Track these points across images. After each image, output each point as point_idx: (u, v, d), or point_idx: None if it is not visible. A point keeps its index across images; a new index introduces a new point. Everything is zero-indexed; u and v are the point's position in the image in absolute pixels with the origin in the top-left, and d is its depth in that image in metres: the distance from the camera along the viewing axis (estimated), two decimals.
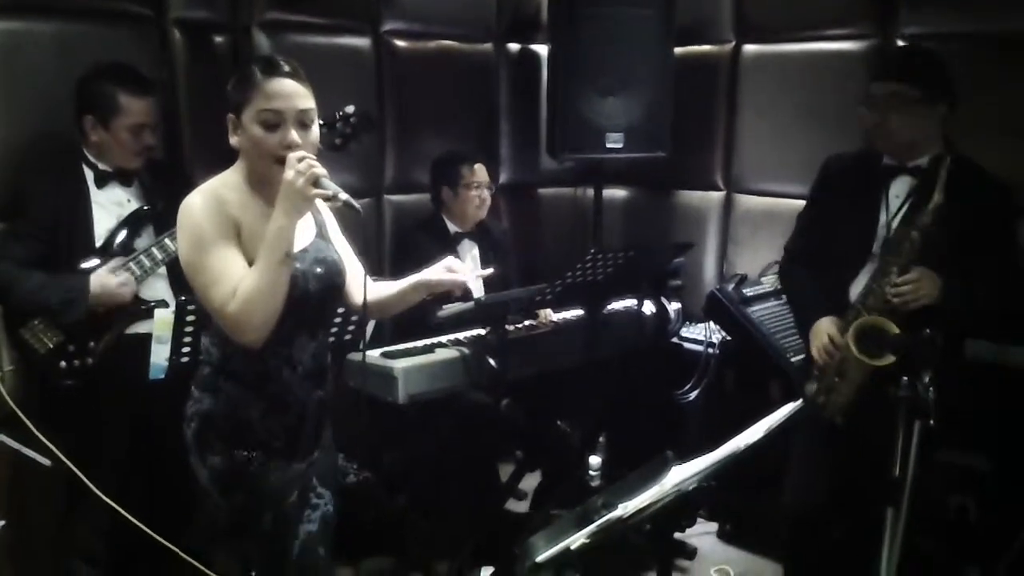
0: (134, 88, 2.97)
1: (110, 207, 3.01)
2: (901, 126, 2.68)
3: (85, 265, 2.92)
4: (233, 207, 2.15)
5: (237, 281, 2.09)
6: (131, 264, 2.93)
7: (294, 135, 2.13)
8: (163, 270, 3.01)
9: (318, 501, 2.35)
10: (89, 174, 3.00)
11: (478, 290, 2.41)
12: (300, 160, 2.08)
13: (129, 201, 3.05)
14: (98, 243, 2.97)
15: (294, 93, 2.14)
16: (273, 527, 2.26)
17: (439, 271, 2.37)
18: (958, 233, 2.60)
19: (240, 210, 2.16)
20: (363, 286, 2.27)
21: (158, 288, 3.04)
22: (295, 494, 2.29)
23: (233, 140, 2.19)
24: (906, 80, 2.67)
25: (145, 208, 3.04)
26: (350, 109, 3.11)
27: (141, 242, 3.01)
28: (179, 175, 3.26)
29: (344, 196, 2.10)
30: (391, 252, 4.20)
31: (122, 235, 2.99)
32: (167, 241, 2.94)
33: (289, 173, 2.07)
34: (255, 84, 2.13)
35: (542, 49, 4.73)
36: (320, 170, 2.09)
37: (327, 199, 2.14)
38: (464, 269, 2.39)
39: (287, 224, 2.09)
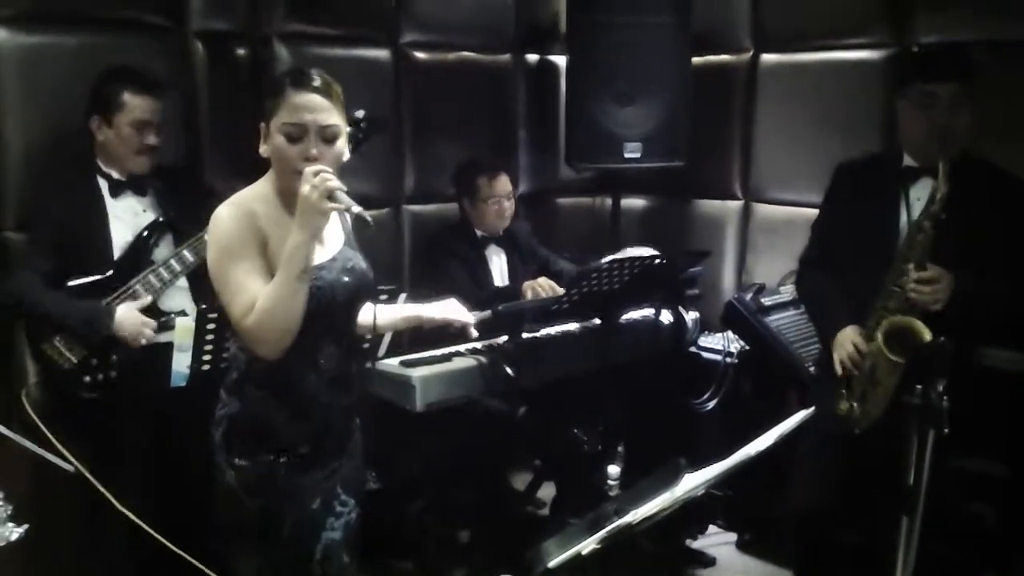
0: (137, 86, 2.99)
1: (126, 217, 3.03)
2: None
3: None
4: (262, 219, 2.17)
5: (256, 295, 2.11)
6: (150, 276, 2.95)
7: (313, 149, 2.14)
8: (183, 281, 3.04)
9: (342, 509, 2.36)
10: (103, 184, 3.02)
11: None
12: (316, 174, 2.08)
13: (145, 211, 3.07)
14: (116, 254, 2.99)
15: (318, 107, 2.15)
16: (296, 533, 2.28)
17: (437, 309, 2.57)
18: (972, 229, 2.58)
19: (269, 222, 2.18)
20: (373, 311, 2.38)
21: (178, 299, 3.06)
22: (319, 500, 2.31)
23: (262, 149, 2.21)
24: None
25: (161, 220, 3.06)
26: (360, 114, 3.12)
27: (160, 252, 3.04)
28: (194, 183, 3.29)
29: (356, 209, 2.10)
30: (420, 252, 4.20)
31: (141, 247, 3.01)
32: (185, 252, 2.96)
33: (304, 187, 2.08)
34: (282, 95, 2.15)
35: (560, 59, 4.75)
36: (335, 183, 2.09)
37: (341, 212, 2.14)
38: (461, 314, 2.59)
39: (304, 239, 2.10)
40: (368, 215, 2.12)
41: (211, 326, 2.74)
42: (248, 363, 2.23)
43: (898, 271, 2.64)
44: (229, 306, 2.15)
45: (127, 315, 2.89)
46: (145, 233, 3.03)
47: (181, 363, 2.81)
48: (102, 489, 2.29)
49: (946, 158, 2.56)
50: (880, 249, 2.75)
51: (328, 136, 2.18)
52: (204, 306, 2.78)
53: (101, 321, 2.86)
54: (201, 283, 3.03)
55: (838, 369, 2.76)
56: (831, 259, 2.94)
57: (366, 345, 3.02)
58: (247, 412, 2.23)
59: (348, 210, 2.10)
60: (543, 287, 3.72)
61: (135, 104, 2.98)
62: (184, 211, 3.08)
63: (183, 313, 3.00)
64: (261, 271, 2.15)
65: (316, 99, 2.15)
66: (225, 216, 2.16)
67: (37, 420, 2.45)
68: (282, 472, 2.23)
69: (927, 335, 2.52)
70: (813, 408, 2.44)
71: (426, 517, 3.73)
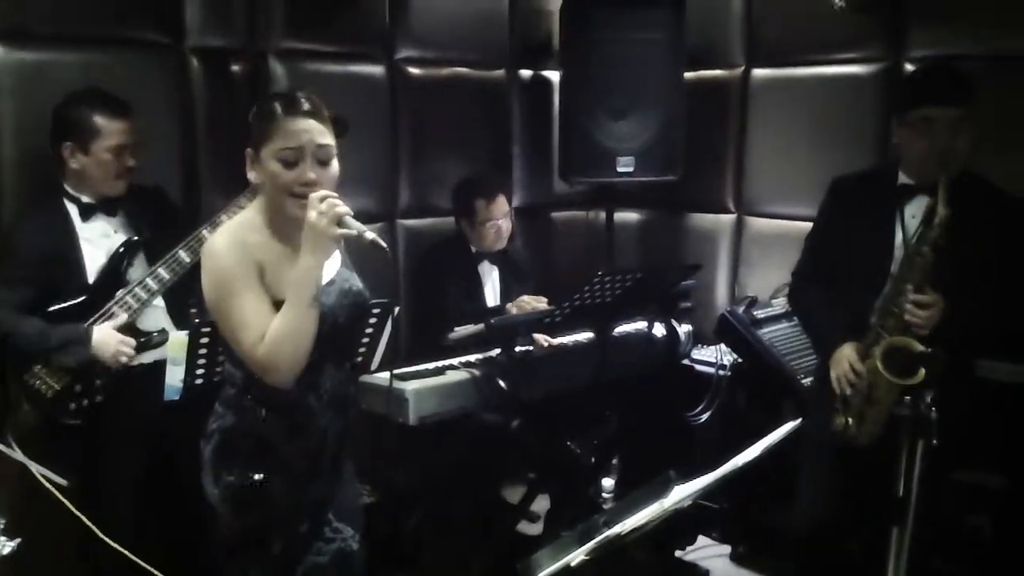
0: (110, 110, 2.94)
1: (98, 240, 2.99)
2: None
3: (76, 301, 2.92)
4: (256, 248, 2.17)
5: (265, 325, 2.10)
6: (127, 297, 2.93)
7: (311, 173, 2.14)
8: (159, 300, 3.02)
9: (333, 536, 2.34)
10: (73, 209, 2.97)
11: None
12: (322, 200, 2.09)
13: (116, 232, 3.02)
14: (90, 279, 2.95)
15: (312, 129, 2.15)
16: (280, 553, 2.26)
17: None
18: (967, 251, 2.57)
19: (262, 251, 2.18)
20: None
21: (155, 318, 3.03)
22: (307, 524, 2.29)
23: (251, 175, 2.20)
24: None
25: (135, 239, 3.02)
26: None
27: (134, 272, 3.00)
28: (163, 200, 3.24)
29: (370, 235, 2.11)
30: (413, 267, 4.20)
31: (115, 268, 2.98)
32: (160, 270, 2.94)
33: (312, 214, 2.08)
34: (275, 121, 2.14)
35: (554, 75, 4.78)
36: (343, 208, 2.10)
37: (352, 238, 2.13)
38: None
39: (313, 265, 2.11)
40: (383, 241, 2.12)
41: (204, 340, 2.75)
42: (245, 380, 2.22)
43: (896, 292, 2.64)
44: (235, 338, 2.14)
45: (103, 337, 2.85)
46: (118, 253, 2.99)
47: (175, 376, 2.80)
48: (84, 519, 2.30)
49: (946, 180, 2.55)
50: (874, 265, 2.76)
51: (323, 157, 2.17)
52: (198, 320, 2.79)
53: (78, 346, 2.82)
54: (178, 301, 3.04)
55: (835, 387, 2.76)
56: (824, 272, 2.95)
57: (359, 359, 3.04)
58: (243, 426, 2.23)
59: (360, 236, 2.10)
60: (527, 304, 3.74)
61: (111, 129, 2.93)
62: (155, 229, 3.06)
63: (163, 332, 2.98)
64: (264, 301, 2.14)
65: (310, 122, 2.15)
66: (220, 249, 2.15)
67: (20, 453, 2.42)
68: (271, 491, 2.22)
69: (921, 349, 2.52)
70: (808, 420, 2.47)
71: (421, 530, 3.73)
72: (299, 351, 2.11)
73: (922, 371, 2.35)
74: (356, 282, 2.34)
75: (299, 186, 2.13)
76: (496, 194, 3.90)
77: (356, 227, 2.11)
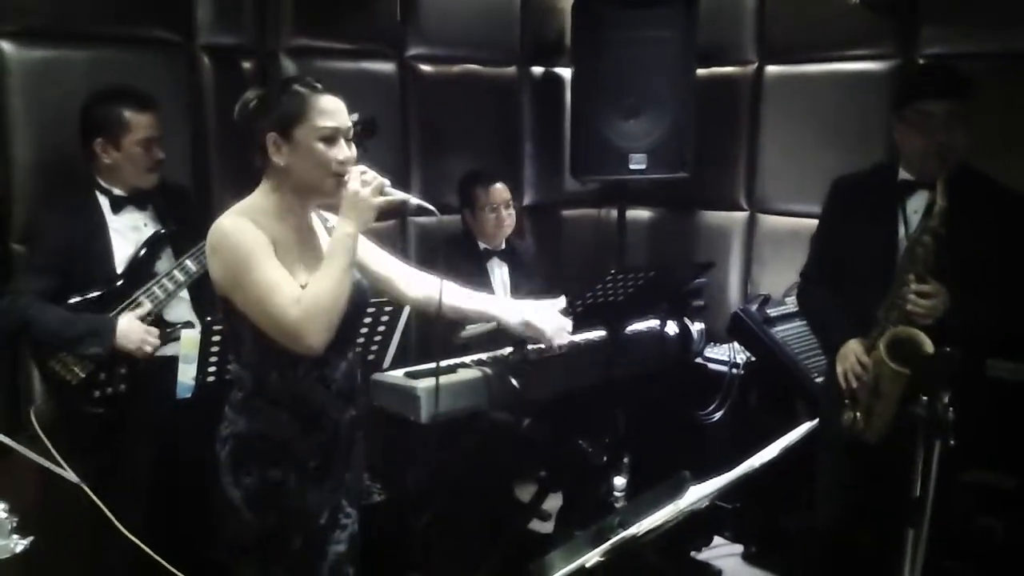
0: (137, 104, 3.00)
1: (127, 232, 3.04)
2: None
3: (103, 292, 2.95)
4: (267, 229, 2.18)
5: (296, 288, 2.12)
6: (154, 288, 2.96)
7: (348, 150, 2.20)
8: (185, 292, 3.04)
9: (346, 521, 2.37)
10: (104, 201, 3.02)
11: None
12: (363, 172, 2.17)
13: (146, 225, 3.07)
14: (119, 269, 2.99)
15: (343, 110, 2.21)
16: (303, 548, 2.27)
17: (540, 327, 2.70)
18: (969, 244, 2.58)
19: (273, 233, 2.18)
20: (439, 294, 2.52)
21: (181, 310, 3.06)
22: (326, 515, 2.31)
23: (277, 158, 2.18)
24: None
25: (163, 231, 3.06)
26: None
27: (161, 265, 3.04)
28: (190, 195, 3.30)
29: (415, 200, 2.24)
30: (423, 265, 4.20)
31: (142, 261, 3.01)
32: (188, 262, 2.97)
33: (354, 184, 2.15)
34: (307, 102, 2.16)
35: (566, 72, 4.77)
36: (384, 180, 2.18)
37: (397, 206, 2.22)
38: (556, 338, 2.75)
39: (353, 233, 2.16)
40: (429, 204, 2.27)
41: (216, 338, 2.75)
42: (255, 381, 2.23)
43: (900, 283, 2.65)
44: (264, 305, 2.11)
45: (129, 326, 2.90)
46: (146, 246, 3.03)
47: (187, 374, 2.81)
48: (105, 510, 2.30)
49: (943, 175, 2.58)
50: (879, 263, 2.77)
51: (349, 136, 2.23)
52: (210, 318, 2.79)
53: (104, 334, 2.86)
54: (202, 294, 3.05)
55: (841, 382, 2.77)
56: (830, 273, 2.95)
57: (371, 357, 3.04)
58: (255, 429, 2.23)
59: (405, 203, 2.25)
60: None
61: (140, 123, 2.99)
62: (184, 223, 3.09)
63: (189, 324, 2.99)
64: (285, 269, 2.16)
65: (340, 102, 2.21)
66: (233, 226, 2.15)
67: (46, 440, 2.44)
68: (291, 488, 2.23)
69: (928, 346, 2.53)
70: (821, 420, 2.46)
71: (432, 528, 3.73)
72: (333, 315, 2.13)
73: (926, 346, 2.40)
74: (355, 273, 2.33)
75: (339, 165, 2.18)
76: (494, 180, 3.92)
77: (399, 195, 2.21)
